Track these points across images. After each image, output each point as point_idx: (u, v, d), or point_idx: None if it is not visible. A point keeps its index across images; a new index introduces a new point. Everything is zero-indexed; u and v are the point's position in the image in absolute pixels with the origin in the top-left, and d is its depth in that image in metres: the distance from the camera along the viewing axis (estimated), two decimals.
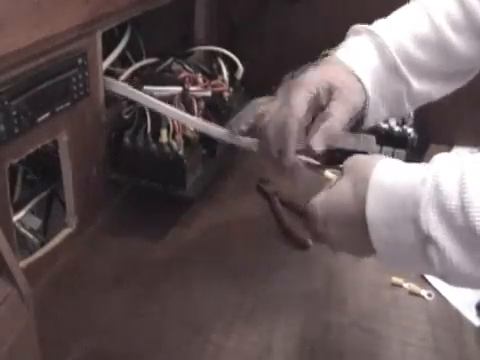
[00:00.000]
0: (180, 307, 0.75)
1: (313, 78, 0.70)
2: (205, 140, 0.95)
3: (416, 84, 0.72)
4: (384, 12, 1.15)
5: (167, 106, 0.85)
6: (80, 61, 0.76)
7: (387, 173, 0.53)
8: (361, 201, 0.52)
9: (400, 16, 0.75)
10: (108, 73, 0.90)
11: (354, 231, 0.54)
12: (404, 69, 0.71)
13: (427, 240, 0.48)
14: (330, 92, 0.68)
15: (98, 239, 0.87)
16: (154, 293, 0.77)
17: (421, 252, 0.49)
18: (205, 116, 0.95)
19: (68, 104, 0.76)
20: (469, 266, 0.47)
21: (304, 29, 1.21)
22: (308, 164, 0.71)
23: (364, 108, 0.71)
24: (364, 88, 0.69)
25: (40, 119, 0.71)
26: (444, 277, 0.50)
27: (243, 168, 1.06)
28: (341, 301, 0.76)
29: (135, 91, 0.86)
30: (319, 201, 0.58)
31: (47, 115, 0.72)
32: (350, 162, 0.59)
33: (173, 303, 0.75)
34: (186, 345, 0.69)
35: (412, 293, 0.77)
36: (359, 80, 0.69)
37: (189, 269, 0.82)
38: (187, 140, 0.89)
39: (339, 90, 0.68)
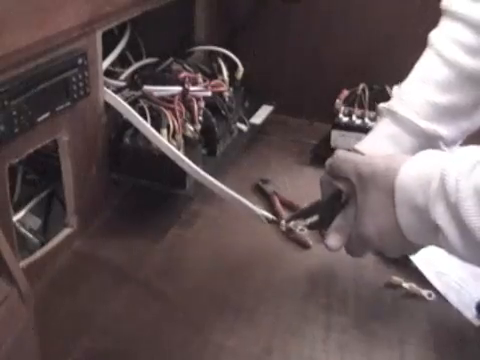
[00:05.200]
0: (180, 307, 0.75)
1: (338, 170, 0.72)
2: (205, 140, 0.95)
3: (450, 130, 0.73)
4: (384, 12, 1.15)
5: (160, 138, 0.84)
6: (80, 61, 0.76)
7: (413, 165, 0.61)
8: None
9: (419, 69, 0.76)
10: (108, 73, 0.90)
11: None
12: (432, 128, 0.73)
13: (437, 228, 0.56)
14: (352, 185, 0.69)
15: (98, 239, 0.87)
16: (154, 293, 0.77)
17: (436, 238, 0.58)
18: (205, 116, 0.95)
19: (68, 104, 0.76)
20: (464, 252, 0.55)
21: (304, 29, 1.21)
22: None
23: None
24: None
25: (40, 119, 0.71)
26: (452, 254, 0.58)
27: (243, 168, 1.06)
28: (341, 301, 0.76)
29: (127, 108, 0.85)
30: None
31: (47, 115, 0.72)
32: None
33: (173, 303, 0.75)
34: (186, 345, 0.69)
35: (412, 293, 0.77)
36: None
37: (189, 269, 0.82)
38: (187, 140, 0.89)
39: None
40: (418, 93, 0.74)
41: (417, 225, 0.59)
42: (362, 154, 0.72)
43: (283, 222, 0.76)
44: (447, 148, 0.74)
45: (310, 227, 0.75)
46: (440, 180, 0.55)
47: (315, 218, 0.73)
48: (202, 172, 0.82)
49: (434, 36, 0.75)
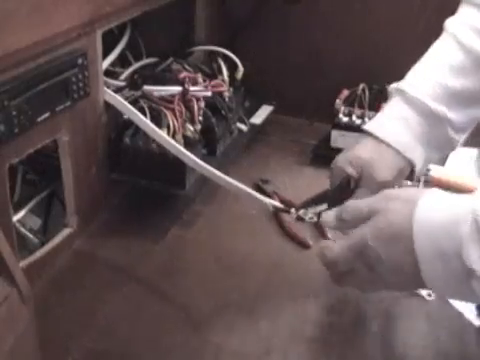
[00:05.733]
0: (180, 307, 0.75)
1: (344, 159, 0.74)
2: (205, 139, 0.95)
3: (459, 116, 0.73)
4: (384, 13, 1.15)
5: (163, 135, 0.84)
6: (80, 61, 0.76)
7: (433, 206, 0.55)
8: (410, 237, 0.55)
9: (433, 53, 0.76)
10: (108, 73, 0.90)
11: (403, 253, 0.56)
12: (441, 110, 0.72)
13: (470, 273, 0.51)
14: (361, 169, 0.71)
15: (98, 239, 0.87)
16: (154, 293, 0.77)
17: (467, 284, 0.52)
18: (205, 116, 0.95)
19: (68, 104, 0.76)
20: None
21: (304, 29, 1.21)
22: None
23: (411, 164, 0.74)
24: (399, 152, 0.73)
25: (40, 119, 0.71)
26: None
27: (243, 168, 1.06)
28: (341, 301, 0.76)
29: (127, 107, 0.85)
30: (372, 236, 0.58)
31: (47, 115, 0.72)
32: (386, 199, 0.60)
33: (173, 303, 0.75)
34: (186, 345, 0.69)
35: (412, 293, 0.77)
36: (391, 147, 0.73)
37: (189, 269, 0.82)
38: (187, 140, 0.89)
39: (367, 169, 0.71)
40: (430, 75, 0.73)
41: (443, 271, 0.54)
42: (371, 134, 0.73)
43: (293, 210, 0.75)
44: (456, 135, 0.73)
45: (320, 215, 0.74)
46: (473, 222, 0.51)
47: (325, 206, 0.73)
48: (205, 165, 0.81)
49: (450, 22, 0.75)
